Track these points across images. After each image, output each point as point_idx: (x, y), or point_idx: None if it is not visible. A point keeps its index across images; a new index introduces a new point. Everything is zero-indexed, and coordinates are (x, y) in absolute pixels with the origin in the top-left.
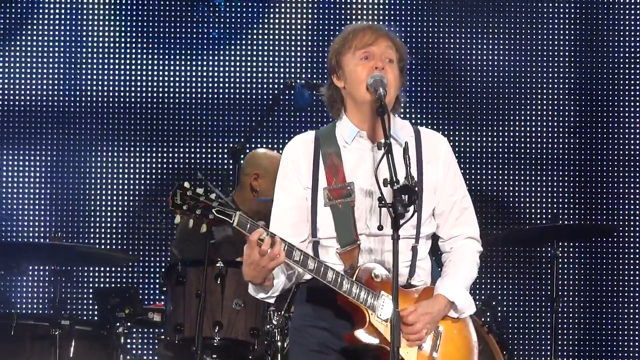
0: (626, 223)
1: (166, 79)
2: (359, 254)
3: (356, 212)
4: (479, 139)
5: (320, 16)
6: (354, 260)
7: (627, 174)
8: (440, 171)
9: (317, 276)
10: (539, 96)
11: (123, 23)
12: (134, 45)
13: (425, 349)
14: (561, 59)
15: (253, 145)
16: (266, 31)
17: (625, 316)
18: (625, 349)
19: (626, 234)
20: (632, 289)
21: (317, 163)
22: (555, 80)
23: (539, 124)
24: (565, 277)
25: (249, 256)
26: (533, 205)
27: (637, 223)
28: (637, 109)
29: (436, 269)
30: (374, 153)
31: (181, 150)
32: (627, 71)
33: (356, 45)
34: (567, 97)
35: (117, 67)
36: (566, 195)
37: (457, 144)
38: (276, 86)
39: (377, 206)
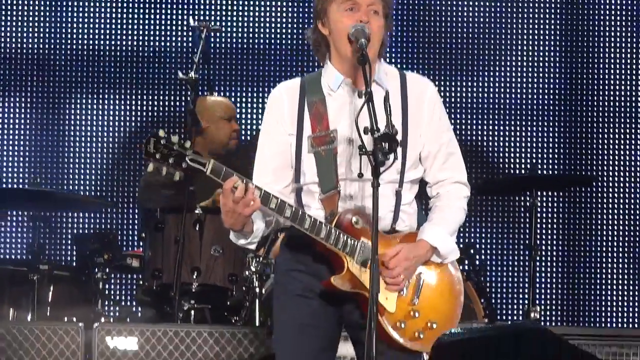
0: (605, 173)
1: (147, 27)
2: (339, 199)
3: (338, 158)
4: (457, 86)
5: None
6: (334, 206)
7: (607, 124)
8: (425, 115)
9: (294, 223)
10: (520, 45)
11: None
12: None
13: (405, 295)
14: (547, 5)
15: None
16: None
17: (602, 265)
18: (602, 297)
19: (605, 185)
20: (609, 239)
21: (302, 111)
22: (538, 29)
23: (519, 73)
24: (544, 226)
25: (225, 204)
26: (512, 154)
27: (616, 174)
28: (620, 59)
29: (422, 214)
30: (356, 101)
31: (161, 98)
32: (612, 20)
33: None
34: (549, 46)
35: (98, 15)
36: (545, 144)
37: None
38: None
39: (357, 154)
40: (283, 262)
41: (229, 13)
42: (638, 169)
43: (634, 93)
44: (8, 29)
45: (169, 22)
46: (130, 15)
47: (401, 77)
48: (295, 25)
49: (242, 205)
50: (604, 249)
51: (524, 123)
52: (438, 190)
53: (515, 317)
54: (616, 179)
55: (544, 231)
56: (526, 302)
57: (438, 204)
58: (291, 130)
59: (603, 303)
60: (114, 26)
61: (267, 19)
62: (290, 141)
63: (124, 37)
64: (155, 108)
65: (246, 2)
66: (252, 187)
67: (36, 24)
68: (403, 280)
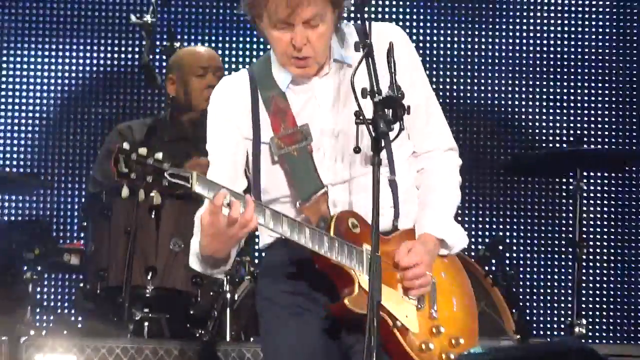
0: None
1: None
2: (328, 203)
3: (316, 157)
4: (482, 41)
5: None
6: (323, 212)
7: None
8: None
9: (291, 237)
10: None
11: None
12: None
13: (423, 307)
14: None
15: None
16: None
17: None
18: None
19: None
20: None
21: (256, 110)
22: None
23: (559, 27)
24: (591, 216)
25: (212, 225)
26: (551, 125)
27: None
28: None
29: None
30: (339, 75)
31: (109, 49)
32: None
33: (270, 18)
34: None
35: None
36: (592, 115)
37: (455, 46)
38: None
39: (341, 148)
40: (267, 287)
41: None
42: None
43: None
44: None
45: None
46: None
47: (359, 33)
48: None
49: (238, 226)
50: None
51: (565, 90)
52: (425, 164)
53: (554, 333)
54: None
55: (591, 223)
56: (569, 313)
57: (430, 183)
58: (247, 134)
59: None
60: None
61: None
62: (246, 146)
63: None
64: (102, 62)
65: None
66: (250, 201)
67: None
68: (430, 280)
